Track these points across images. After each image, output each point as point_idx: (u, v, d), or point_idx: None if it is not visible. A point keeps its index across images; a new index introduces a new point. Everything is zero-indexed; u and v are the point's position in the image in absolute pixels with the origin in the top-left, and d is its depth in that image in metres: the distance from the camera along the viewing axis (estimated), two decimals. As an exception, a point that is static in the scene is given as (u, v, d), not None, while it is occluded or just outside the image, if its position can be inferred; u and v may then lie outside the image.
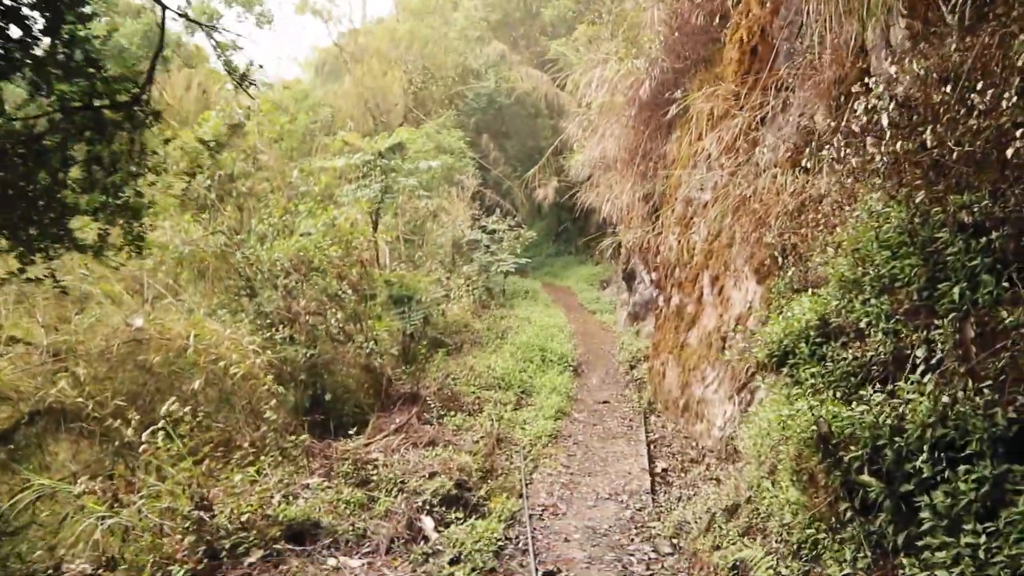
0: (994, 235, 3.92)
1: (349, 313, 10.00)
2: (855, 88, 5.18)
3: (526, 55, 30.19)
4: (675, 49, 11.72)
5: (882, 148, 4.45)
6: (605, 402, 11.47)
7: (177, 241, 9.62)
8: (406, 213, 18.49)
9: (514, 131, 30.84)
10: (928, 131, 4.12)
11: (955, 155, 4.07)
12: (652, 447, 9.42)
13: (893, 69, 4.73)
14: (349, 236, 11.76)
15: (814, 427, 4.32)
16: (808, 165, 6.09)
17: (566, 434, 9.63)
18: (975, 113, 3.99)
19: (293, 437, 7.52)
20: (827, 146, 5.44)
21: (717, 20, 10.18)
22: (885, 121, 4.44)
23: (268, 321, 9.48)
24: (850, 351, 5.05)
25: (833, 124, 5.92)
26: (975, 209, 4.06)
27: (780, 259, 8.09)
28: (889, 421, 3.94)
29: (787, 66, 8.21)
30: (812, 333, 5.74)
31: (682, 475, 8.32)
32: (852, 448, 4.07)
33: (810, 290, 6.56)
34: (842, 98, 6.74)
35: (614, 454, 9.02)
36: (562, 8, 28.22)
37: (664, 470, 8.60)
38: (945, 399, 3.69)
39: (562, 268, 30.29)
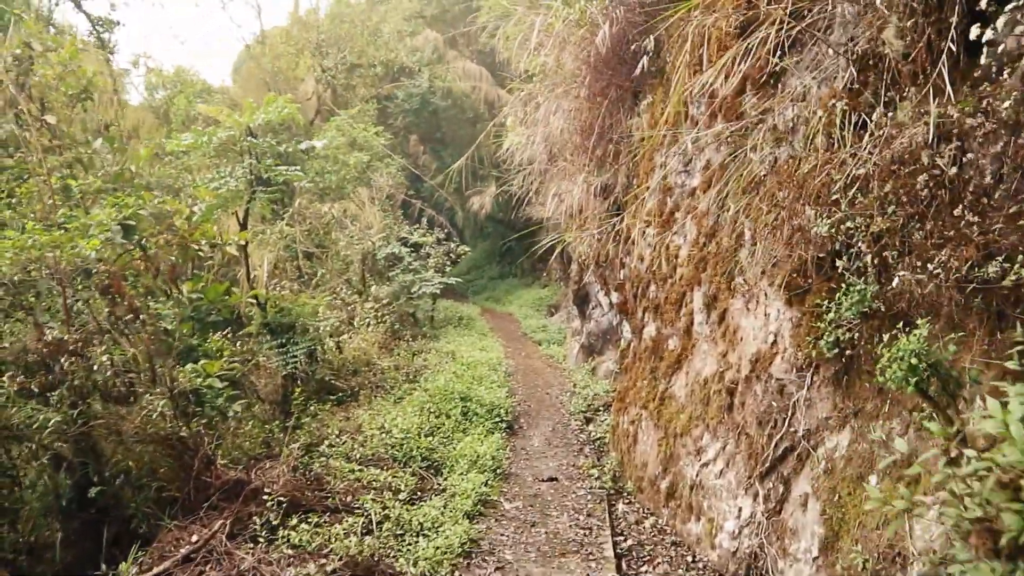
0: None
1: (138, 351, 6.22)
2: None
3: (466, 53, 26.88)
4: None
5: None
6: (551, 479, 7.88)
7: None
8: (306, 220, 14.73)
9: (451, 137, 27.41)
10: None
11: None
12: (625, 566, 5.88)
13: None
14: (182, 236, 8.03)
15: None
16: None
17: (486, 548, 5.98)
18: None
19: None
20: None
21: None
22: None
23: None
24: None
25: None
26: None
27: (841, 261, 4.76)
28: None
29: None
30: None
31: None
32: None
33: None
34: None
35: (564, 590, 5.42)
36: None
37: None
38: None
39: (505, 292, 26.82)
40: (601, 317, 13.15)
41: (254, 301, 10.25)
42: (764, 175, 5.77)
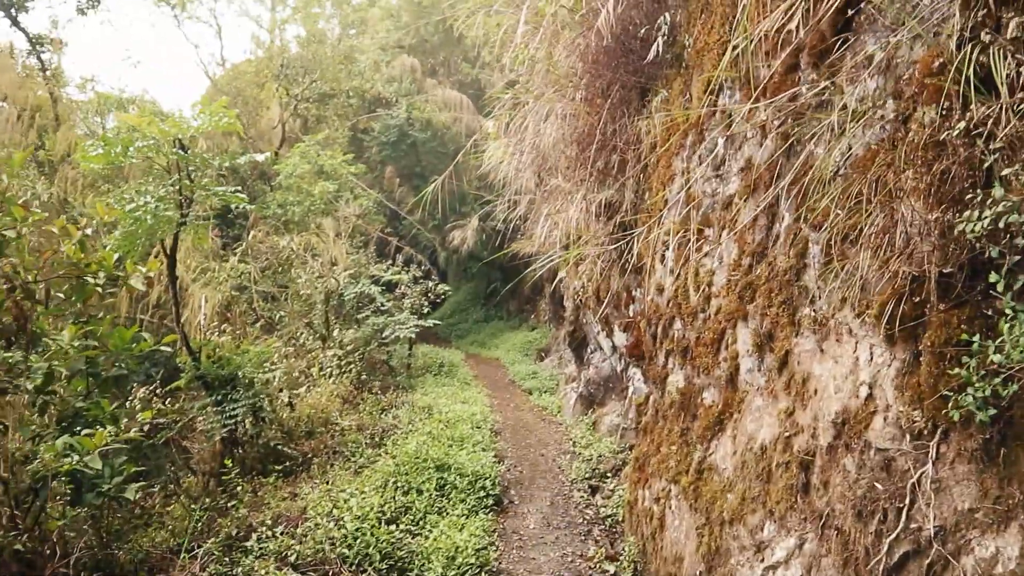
0: None
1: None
2: None
3: (446, 83, 25.50)
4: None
5: None
6: (553, 579, 5.97)
7: None
8: (262, 256, 12.92)
9: (431, 171, 25.82)
10: None
11: None
12: None
13: None
14: (73, 266, 6.21)
15: None
16: None
17: None
18: None
19: None
20: None
21: None
22: None
23: None
24: None
25: None
26: None
27: (996, 276, 3.05)
28: None
29: None
30: None
31: None
32: None
33: None
34: None
35: None
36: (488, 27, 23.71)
37: None
38: None
39: (491, 336, 24.97)
40: (602, 363, 11.36)
41: (185, 351, 8.40)
42: (839, 169, 4.09)
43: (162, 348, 7.04)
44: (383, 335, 13.09)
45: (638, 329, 7.97)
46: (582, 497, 7.92)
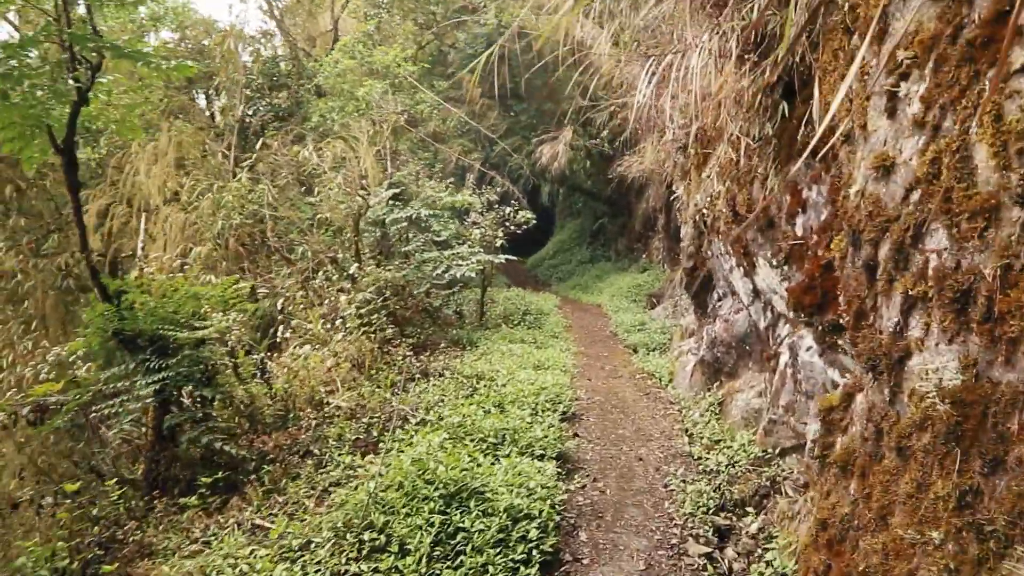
0: None
1: None
2: None
3: (542, -19, 21.53)
4: None
5: None
6: None
7: None
8: (281, 171, 10.01)
9: (527, 91, 22.17)
10: None
11: None
12: None
13: None
14: None
15: None
16: None
17: None
18: None
19: None
20: None
21: None
22: None
23: None
24: None
25: None
26: None
27: None
28: None
29: None
30: None
31: None
32: None
33: None
34: None
35: None
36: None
37: None
38: None
39: (595, 279, 21.46)
40: (734, 314, 7.70)
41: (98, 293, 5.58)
42: None
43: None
44: (439, 274, 9.94)
45: (814, 258, 4.33)
46: (701, 555, 4.49)
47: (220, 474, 5.36)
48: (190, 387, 6.07)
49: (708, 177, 6.68)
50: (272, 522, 4.66)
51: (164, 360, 5.58)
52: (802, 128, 4.33)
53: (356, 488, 4.76)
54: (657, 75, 5.25)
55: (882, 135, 3.19)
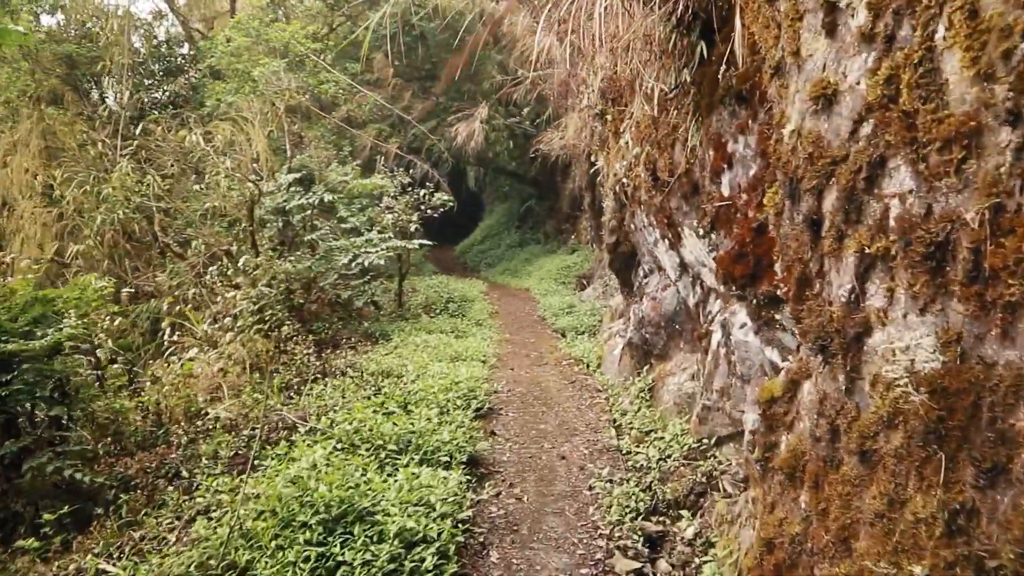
0: None
1: None
2: None
3: (454, -45, 20.61)
4: None
5: None
6: None
7: None
8: (164, 157, 8.96)
9: (445, 71, 21.24)
10: None
11: None
12: None
13: None
14: None
15: None
16: None
17: None
18: None
19: None
20: None
21: None
22: None
23: None
24: None
25: None
26: None
27: None
28: None
29: None
30: None
31: None
32: None
33: None
34: None
35: None
36: None
37: None
38: None
39: (524, 263, 20.87)
40: (662, 291, 7.14)
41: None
42: None
43: None
44: (347, 263, 9.08)
45: (744, 220, 3.73)
46: (630, 572, 3.87)
47: (67, 508, 4.47)
48: (42, 405, 5.18)
49: (625, 142, 6.06)
50: (120, 565, 3.83)
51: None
52: (723, 69, 3.71)
53: (221, 519, 3.95)
54: (557, 20, 4.55)
55: (820, 59, 2.57)
